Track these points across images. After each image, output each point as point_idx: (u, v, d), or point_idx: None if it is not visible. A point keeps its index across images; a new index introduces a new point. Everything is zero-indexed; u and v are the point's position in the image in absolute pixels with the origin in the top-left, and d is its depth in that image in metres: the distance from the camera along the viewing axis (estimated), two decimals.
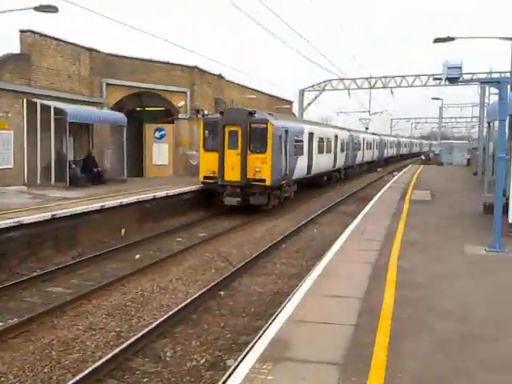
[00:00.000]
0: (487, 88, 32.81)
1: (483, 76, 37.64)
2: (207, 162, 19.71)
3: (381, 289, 7.33)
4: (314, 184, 28.01)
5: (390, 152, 61.90)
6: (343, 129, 37.72)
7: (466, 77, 29.13)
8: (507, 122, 10.90)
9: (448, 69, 9.96)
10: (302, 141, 23.57)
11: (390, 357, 5.06)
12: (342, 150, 33.63)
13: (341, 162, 33.25)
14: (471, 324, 6.02)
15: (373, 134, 52.45)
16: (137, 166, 25.52)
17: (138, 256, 13.15)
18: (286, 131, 20.93)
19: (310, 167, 25.13)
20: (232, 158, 19.14)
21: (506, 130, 11.15)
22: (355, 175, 39.53)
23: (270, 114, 21.39)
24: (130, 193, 17.58)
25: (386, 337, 5.56)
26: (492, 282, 7.84)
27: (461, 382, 4.61)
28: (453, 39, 23.78)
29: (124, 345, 7.30)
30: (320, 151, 27.23)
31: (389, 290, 7.28)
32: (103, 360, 6.80)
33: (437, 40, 23.82)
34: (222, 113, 19.89)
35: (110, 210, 15.05)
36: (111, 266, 12.16)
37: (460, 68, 10.00)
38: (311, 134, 25.49)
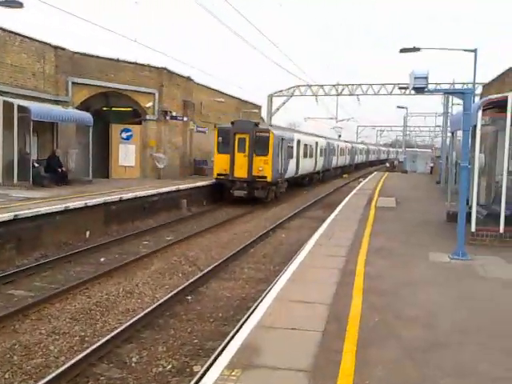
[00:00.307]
0: (450, 98, 33.66)
1: (447, 86, 38.60)
2: (220, 163, 24.35)
3: (348, 295, 7.40)
4: (298, 184, 32.50)
5: (360, 158, 64.27)
6: (321, 136, 43.14)
7: (431, 87, 29.85)
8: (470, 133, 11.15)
9: (415, 79, 10.13)
10: (292, 147, 28.66)
11: (358, 363, 5.10)
12: (321, 155, 38.84)
13: (320, 165, 38.56)
14: (437, 331, 6.13)
15: (345, 141, 57.02)
16: (103, 166, 25.10)
17: (103, 259, 12.93)
18: (282, 139, 26.02)
19: (297, 168, 30.31)
20: (240, 159, 23.93)
21: (469, 141, 11.42)
22: (331, 177, 44.40)
23: (270, 125, 27.58)
24: (95, 194, 17.29)
25: (353, 343, 5.61)
26: (456, 289, 8.00)
27: None
28: (418, 50, 24.34)
29: (88, 350, 7.16)
30: (305, 156, 32.47)
31: (356, 296, 7.35)
32: (67, 365, 6.66)
33: (402, 50, 24.35)
34: (232, 123, 24.70)
35: (74, 211, 14.75)
36: (75, 269, 11.94)
37: (426, 78, 10.18)
38: (299, 141, 30.48)
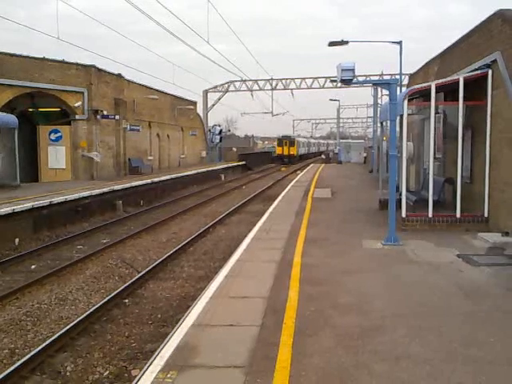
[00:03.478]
0: (379, 89, 34.66)
1: (376, 78, 39.72)
2: (279, 149, 65.19)
3: (285, 287, 7.43)
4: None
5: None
6: (305, 137, 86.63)
7: (360, 79, 30.62)
8: (397, 122, 11.48)
9: (342, 71, 10.28)
10: (300, 143, 68.82)
11: (295, 355, 5.12)
12: (306, 146, 78.70)
13: (306, 150, 77.83)
14: (371, 317, 6.24)
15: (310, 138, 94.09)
16: (31, 170, 24.15)
17: (34, 266, 12.40)
18: (298, 140, 67.79)
19: (301, 152, 69.85)
20: (286, 148, 64.06)
21: (397, 129, 11.76)
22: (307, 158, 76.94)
23: (297, 136, 77.74)
24: (23, 199, 16.56)
25: (290, 335, 5.63)
26: (389, 275, 8.20)
27: (361, 373, 4.76)
28: (347, 43, 24.88)
29: (18, 362, 6.83)
30: (303, 146, 72.54)
31: (293, 287, 7.40)
32: None
33: (331, 43, 24.81)
34: (283, 136, 66.17)
35: (1, 218, 14.06)
36: (4, 279, 11.42)
37: (353, 70, 10.33)
38: (302, 141, 72.46)
